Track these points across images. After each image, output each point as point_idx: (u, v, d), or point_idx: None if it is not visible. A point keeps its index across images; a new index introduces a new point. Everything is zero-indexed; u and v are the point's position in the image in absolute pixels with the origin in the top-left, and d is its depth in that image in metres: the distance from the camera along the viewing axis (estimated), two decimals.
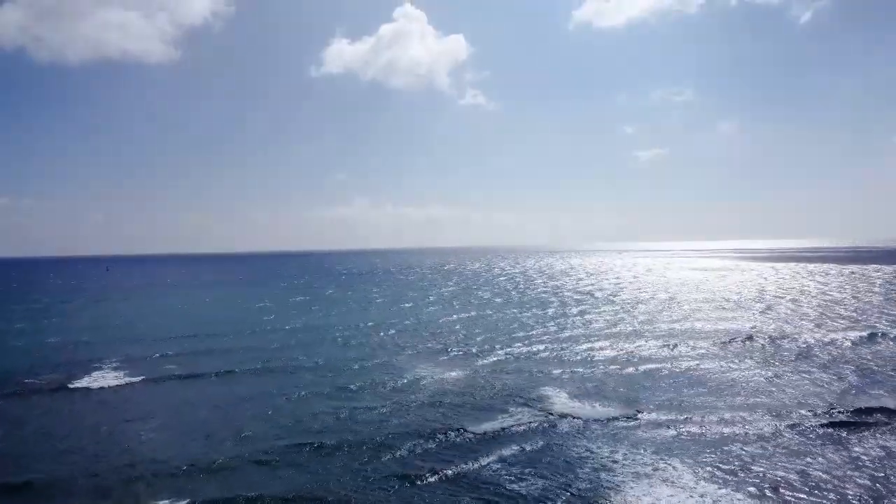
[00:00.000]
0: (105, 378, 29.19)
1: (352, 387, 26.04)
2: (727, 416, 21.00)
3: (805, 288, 70.41)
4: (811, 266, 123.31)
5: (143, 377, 28.90)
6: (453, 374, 28.32)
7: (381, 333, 41.45)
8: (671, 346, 33.97)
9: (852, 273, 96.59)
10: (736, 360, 30.06)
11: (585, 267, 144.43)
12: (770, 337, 36.27)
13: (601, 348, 34.03)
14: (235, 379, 28.48)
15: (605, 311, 51.74)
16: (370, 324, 46.35)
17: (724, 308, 51.70)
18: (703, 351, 32.76)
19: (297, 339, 39.56)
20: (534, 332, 40.39)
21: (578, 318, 47.53)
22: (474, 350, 34.36)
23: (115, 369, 31.00)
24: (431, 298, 67.93)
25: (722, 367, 28.76)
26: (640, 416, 21.18)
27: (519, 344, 36.07)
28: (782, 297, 59.47)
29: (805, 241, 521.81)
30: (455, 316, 50.37)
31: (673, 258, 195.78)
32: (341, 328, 44.13)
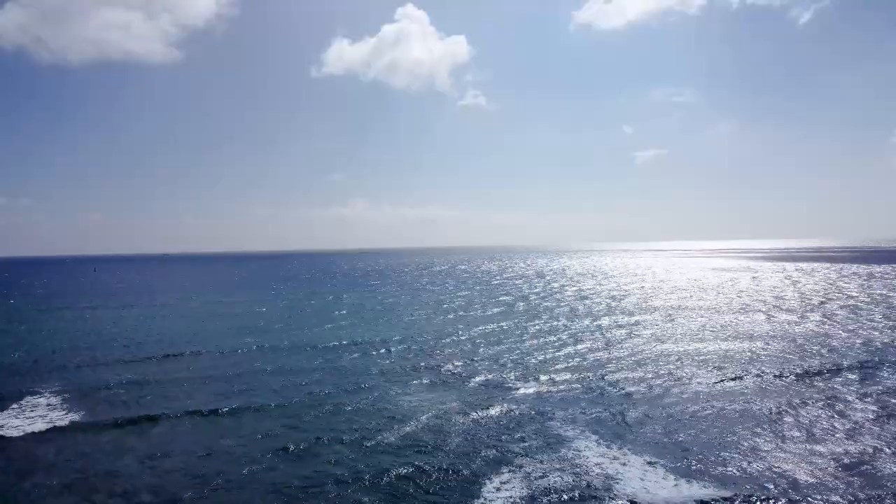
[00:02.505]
0: (30, 417, 22.80)
1: (331, 444, 19.30)
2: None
3: (849, 292, 63.92)
4: (835, 266, 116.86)
5: (75, 418, 22.46)
6: (471, 416, 21.77)
7: (385, 351, 34.94)
8: (739, 377, 27.41)
9: (885, 275, 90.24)
10: (832, 400, 23.41)
11: (601, 268, 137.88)
12: (856, 361, 29.75)
13: (654, 377, 27.52)
14: (184, 424, 21.62)
15: (642, 322, 45.14)
16: (376, 339, 39.33)
17: (774, 318, 45.20)
18: (781, 386, 26.20)
19: (281, 362, 32.88)
20: (566, 351, 33.84)
21: (616, 331, 40.80)
22: (499, 376, 27.76)
23: (49, 403, 24.61)
24: (446, 306, 60.51)
25: (818, 412, 22.04)
26: (736, 501, 14.70)
27: (557, 367, 29.56)
28: (830, 303, 52.93)
29: (807, 241, 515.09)
30: (476, 329, 43.21)
31: (682, 258, 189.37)
32: (338, 345, 37.54)
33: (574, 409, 22.45)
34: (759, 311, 50.00)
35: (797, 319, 44.59)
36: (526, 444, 18.68)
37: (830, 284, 75.63)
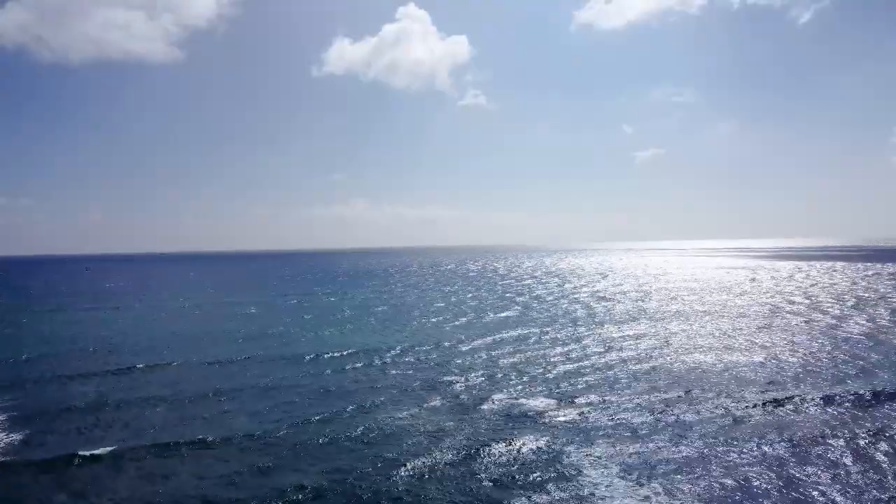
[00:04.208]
0: None
1: (313, 493, 15.46)
2: None
3: (881, 292, 59.97)
4: (851, 265, 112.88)
5: (11, 445, 18.67)
6: (484, 451, 17.86)
7: (390, 362, 31.04)
8: (793, 396, 23.53)
9: None
10: None
11: (610, 267, 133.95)
12: None
13: (693, 399, 23.63)
14: (136, 459, 17.64)
15: (670, 328, 41.10)
16: (380, 348, 35.21)
17: (815, 322, 41.31)
18: (846, 408, 22.24)
19: (271, 376, 28.92)
20: (590, 363, 29.90)
21: (644, 340, 36.69)
22: (516, 396, 23.84)
23: None
24: (456, 309, 55.64)
25: None
26: None
27: (580, 384, 25.67)
28: (865, 304, 48.96)
29: (807, 240, 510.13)
30: (490, 337, 38.99)
31: (686, 257, 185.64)
32: (338, 356, 33.54)
33: (600, 440, 18.62)
34: (795, 313, 46.16)
35: (838, 323, 40.75)
36: (547, 491, 14.91)
37: (855, 284, 71.80)
